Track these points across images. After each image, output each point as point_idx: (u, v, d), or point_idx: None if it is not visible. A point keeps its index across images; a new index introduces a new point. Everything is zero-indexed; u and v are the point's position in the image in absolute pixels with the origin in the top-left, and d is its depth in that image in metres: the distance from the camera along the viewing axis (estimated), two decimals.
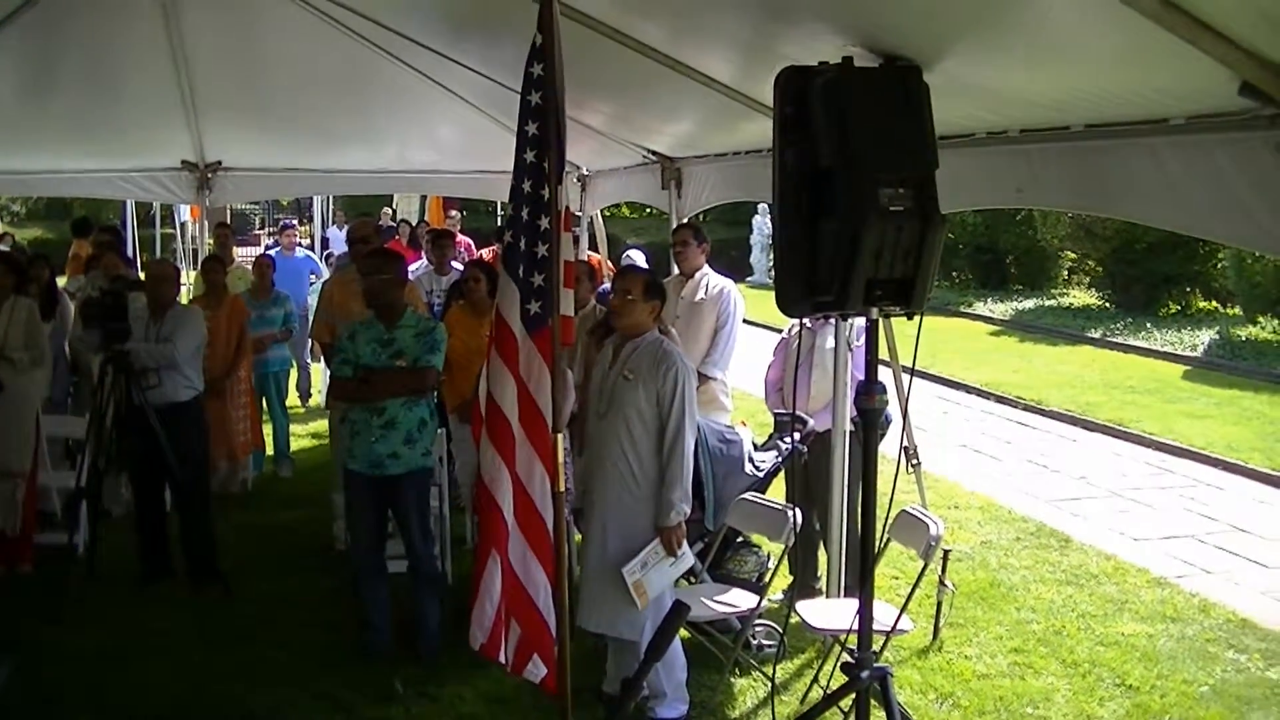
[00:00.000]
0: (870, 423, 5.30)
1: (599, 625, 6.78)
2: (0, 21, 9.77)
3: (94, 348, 9.28)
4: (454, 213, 21.75)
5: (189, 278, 15.11)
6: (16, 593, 9.00)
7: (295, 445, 13.54)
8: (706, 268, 9.72)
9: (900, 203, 4.62)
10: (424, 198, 25.77)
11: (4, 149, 13.48)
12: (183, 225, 26.81)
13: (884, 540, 7.17)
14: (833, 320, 7.93)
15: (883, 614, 6.41)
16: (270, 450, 12.92)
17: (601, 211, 14.03)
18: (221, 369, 10.88)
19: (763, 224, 32.60)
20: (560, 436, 5.88)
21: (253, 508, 11.52)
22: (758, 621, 7.55)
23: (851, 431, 7.99)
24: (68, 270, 15.14)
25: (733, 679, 7.39)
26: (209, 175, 14.12)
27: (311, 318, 13.29)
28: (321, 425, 14.30)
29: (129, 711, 7.10)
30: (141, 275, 10.50)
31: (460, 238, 15.95)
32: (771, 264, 24.29)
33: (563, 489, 5.91)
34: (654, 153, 10.72)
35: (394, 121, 12.68)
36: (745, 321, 9.82)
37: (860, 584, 5.28)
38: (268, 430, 12.81)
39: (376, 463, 7.54)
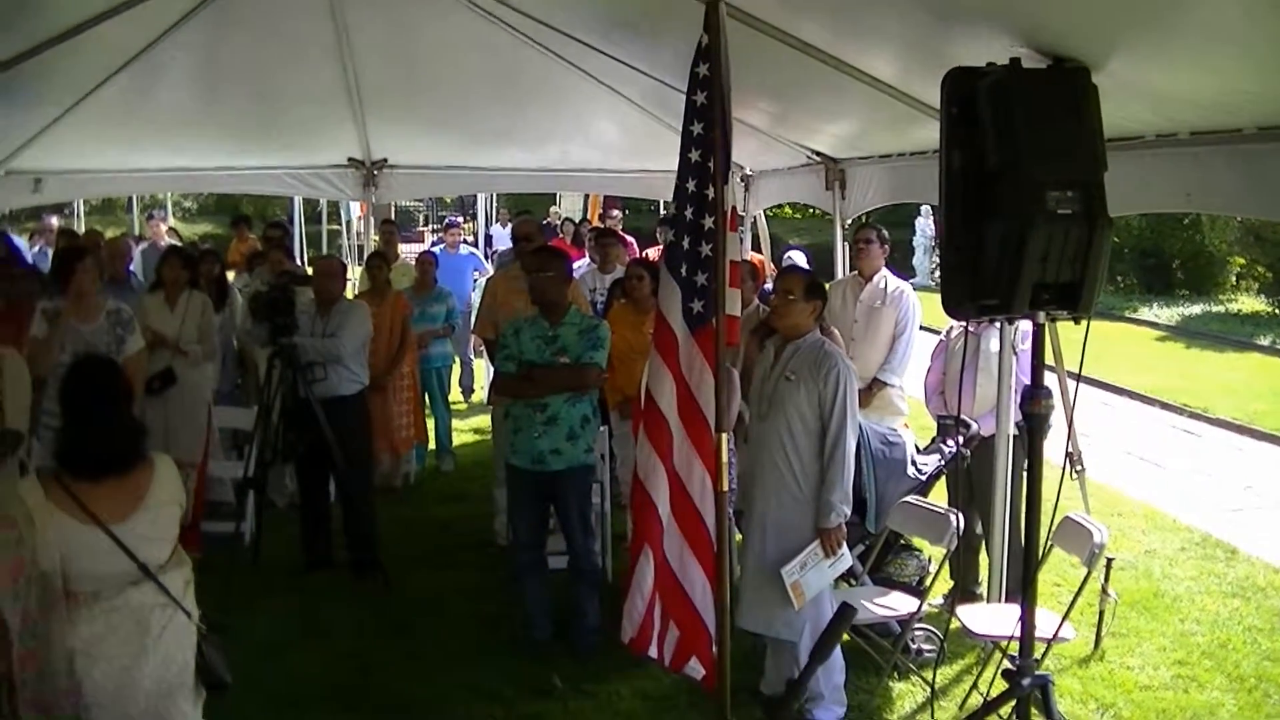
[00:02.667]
0: (1036, 428, 5.31)
1: (756, 625, 6.84)
2: (175, 21, 10.09)
3: (261, 342, 9.52)
4: (616, 212, 21.86)
5: (354, 274, 15.39)
6: None
7: (457, 440, 13.72)
8: (885, 270, 9.72)
9: (1067, 206, 4.63)
10: (587, 196, 25.93)
11: (177, 146, 13.90)
12: (348, 222, 27.32)
13: (1047, 546, 7.13)
14: (996, 323, 7.90)
15: (1044, 621, 6.36)
16: (432, 445, 13.12)
17: (764, 211, 14.05)
18: (385, 364, 11.07)
19: (925, 226, 32.23)
20: (724, 436, 5.92)
21: (413, 502, 11.76)
22: (917, 625, 7.50)
23: (1015, 436, 7.97)
24: (231, 265, 15.51)
25: (891, 683, 7.38)
26: (375, 172, 14.39)
27: (474, 314, 13.51)
28: (482, 421, 14.49)
29: (290, 698, 7.27)
30: (308, 271, 10.75)
31: (625, 237, 16.03)
32: (933, 266, 24.08)
33: (725, 489, 5.94)
34: (817, 153, 10.73)
35: (556, 120, 12.80)
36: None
37: (1023, 590, 5.29)
38: (430, 425, 13.00)
39: (538, 459, 7.64)
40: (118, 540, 4.52)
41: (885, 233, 10.00)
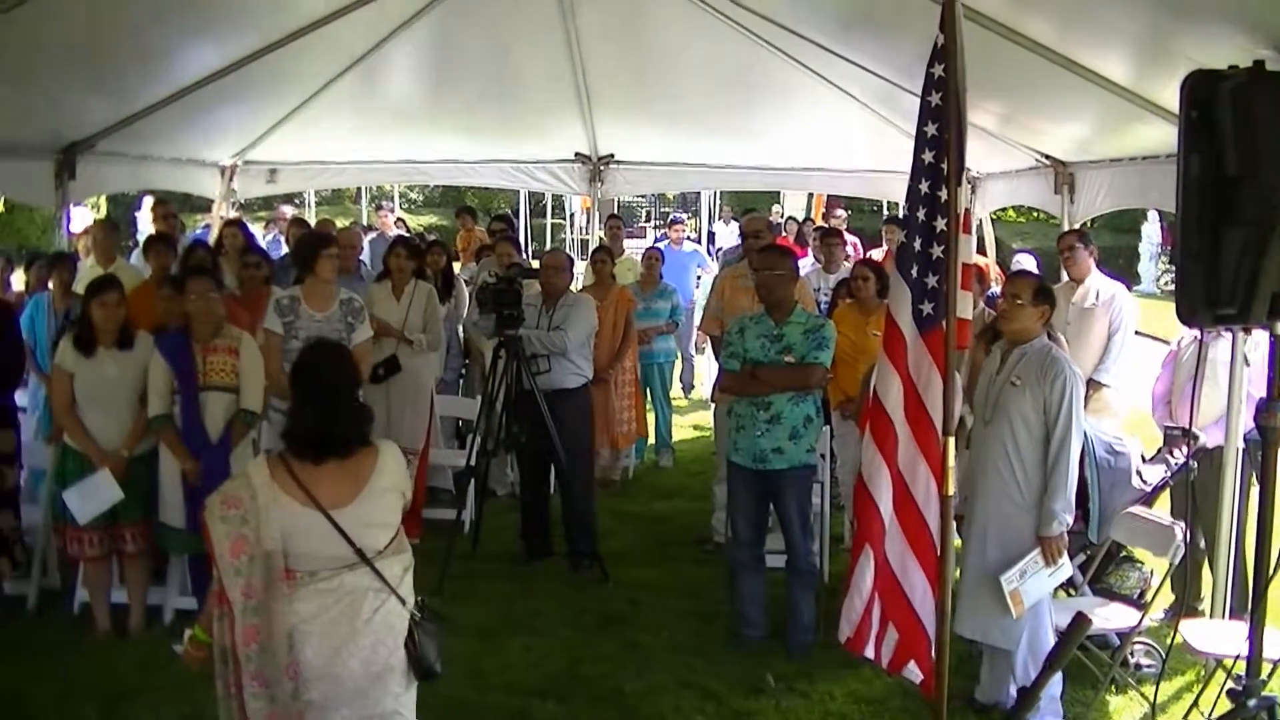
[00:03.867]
0: (1270, 441, 5.21)
1: (974, 632, 6.82)
2: (407, 18, 10.40)
3: (488, 333, 9.70)
4: (841, 211, 21.78)
5: (578, 268, 15.64)
6: None
7: (676, 436, 13.84)
8: (1096, 272, 9.61)
9: None
10: (810, 195, 25.89)
11: (407, 138, 14.31)
12: (571, 215, 27.67)
13: (1278, 563, 6.97)
14: (1226, 333, 7.75)
15: (1274, 641, 6.24)
16: (651, 440, 13.28)
17: (989, 214, 13.92)
18: (607, 358, 11.20)
19: (1152, 232, 31.44)
20: (950, 440, 5.92)
21: (632, 496, 11.93)
22: (1137, 639, 7.41)
23: (1244, 449, 7.80)
24: (460, 257, 15.85)
25: (1109, 696, 7.26)
26: (601, 167, 14.60)
27: (697, 311, 13.63)
28: (703, 417, 14.63)
29: (504, 686, 7.42)
30: (534, 264, 10.95)
31: (848, 237, 16.00)
32: (1160, 273, 23.43)
33: (950, 493, 5.94)
34: (1046, 156, 10.63)
35: (782, 117, 12.86)
36: (1134, 333, 9.64)
37: (1252, 608, 5.20)
38: (650, 420, 13.15)
39: (760, 457, 7.69)
40: (336, 524, 4.64)
41: (1089, 236, 9.91)
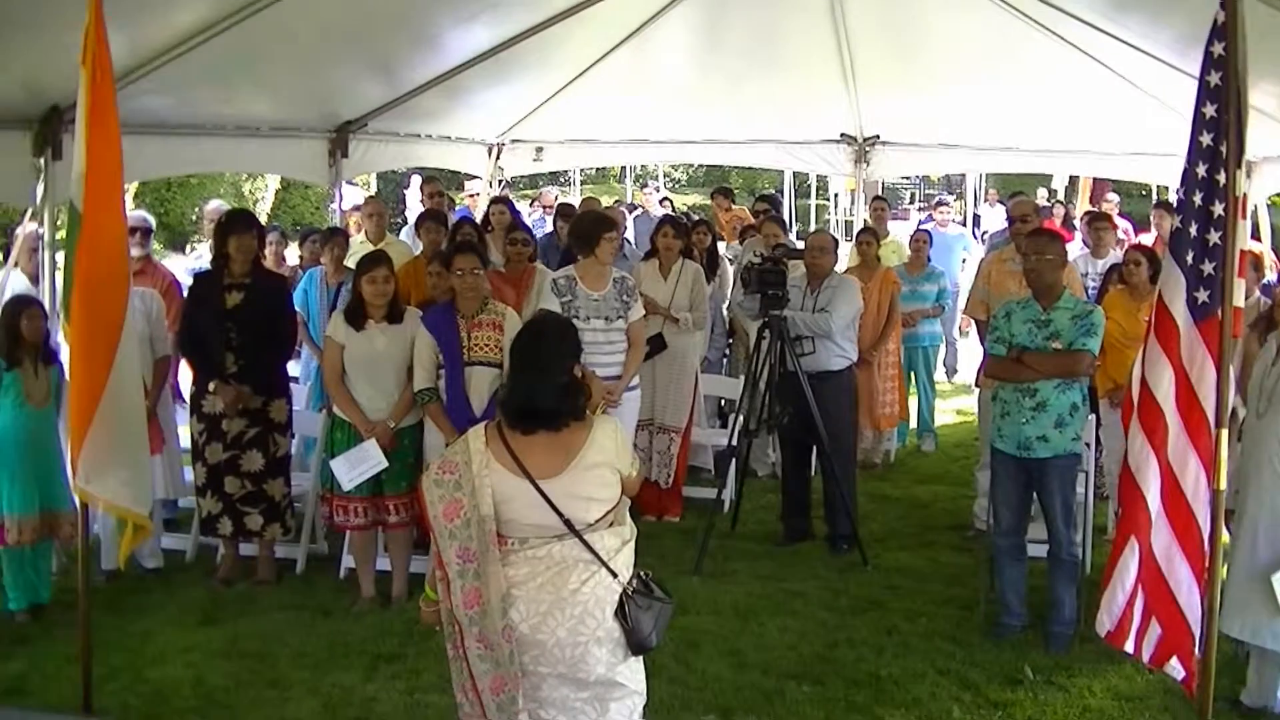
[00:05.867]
0: None
1: (1241, 632, 6.63)
2: None
3: (753, 314, 9.76)
4: (1112, 195, 21.26)
5: (842, 249, 15.64)
6: (662, 541, 9.69)
7: (938, 421, 13.78)
8: None
9: None
10: (1077, 178, 25.37)
11: (672, 116, 14.47)
12: (835, 196, 27.60)
13: None
14: None
15: None
16: (914, 424, 13.29)
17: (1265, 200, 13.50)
18: (871, 340, 11.22)
19: None
20: (1223, 433, 5.82)
21: (893, 479, 11.93)
22: None
23: None
24: (725, 234, 15.97)
25: None
26: (866, 148, 14.58)
27: (962, 294, 13.54)
28: (966, 402, 14.54)
29: (760, 665, 7.49)
30: (799, 245, 11.01)
31: (1118, 221, 15.65)
32: None
33: (1221, 487, 5.85)
34: None
35: (1048, 97, 12.67)
36: None
37: None
38: (912, 404, 13.15)
39: (1024, 444, 7.63)
40: (544, 494, 4.73)
41: None
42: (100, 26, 5.87)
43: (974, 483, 10.13)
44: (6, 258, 10.37)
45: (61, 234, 8.05)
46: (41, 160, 8.71)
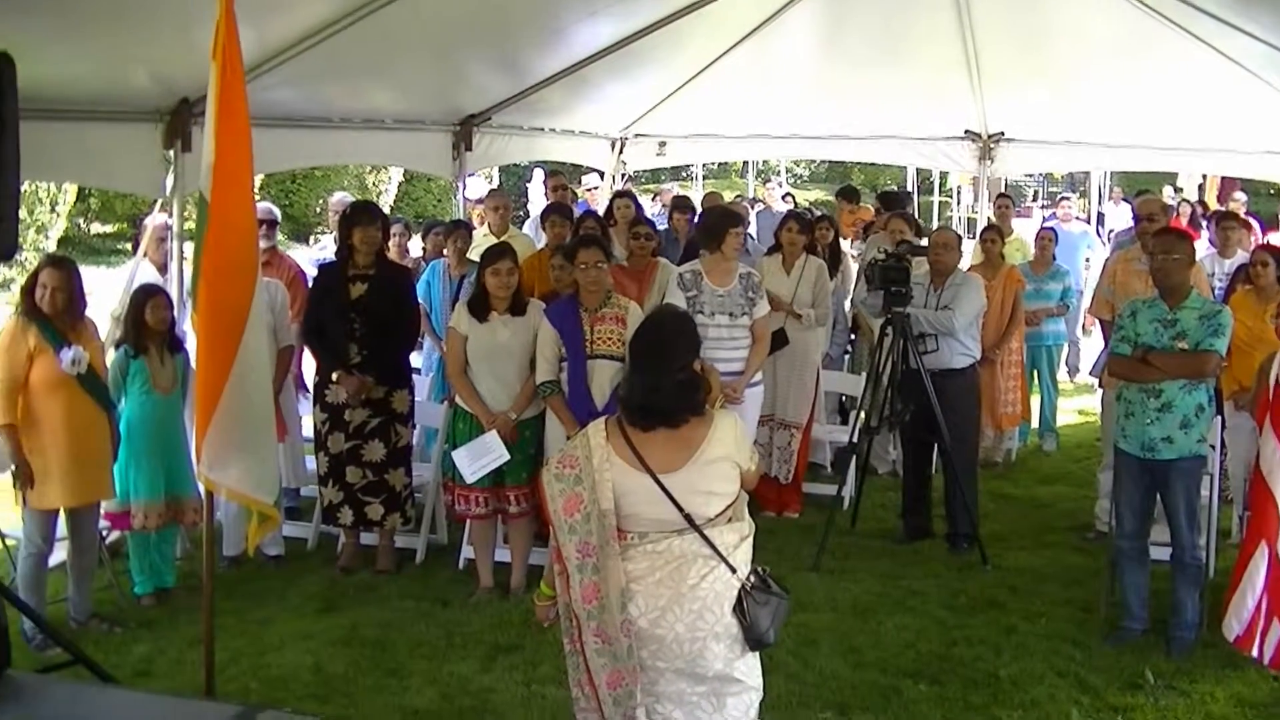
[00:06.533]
0: None
1: None
2: None
3: (876, 311, 9.72)
4: (1240, 194, 20.89)
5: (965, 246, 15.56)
6: (781, 537, 9.70)
7: (1060, 420, 13.62)
8: None
9: None
10: (1205, 176, 24.99)
11: (794, 111, 14.49)
12: (958, 192, 27.39)
13: None
14: None
15: None
16: (1035, 423, 13.17)
17: None
18: (994, 338, 11.15)
19: None
20: None
21: (1014, 479, 11.84)
22: None
23: None
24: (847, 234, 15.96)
25: None
26: (991, 145, 14.48)
27: (1086, 293, 13.41)
28: (1088, 402, 14.39)
29: (879, 664, 7.49)
30: (922, 242, 10.96)
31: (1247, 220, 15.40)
32: None
33: None
34: None
35: (1174, 93, 12.52)
36: None
37: None
38: (1034, 403, 13.03)
39: (1149, 446, 7.52)
40: (664, 489, 4.75)
41: None
42: (231, 22, 5.99)
43: (1096, 484, 9.98)
44: (136, 248, 10.55)
45: (190, 224, 8.23)
46: (171, 152, 8.95)
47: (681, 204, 13.50)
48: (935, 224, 28.10)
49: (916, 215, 17.47)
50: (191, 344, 7.25)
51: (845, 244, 13.53)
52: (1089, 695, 7.08)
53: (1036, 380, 13.10)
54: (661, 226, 12.99)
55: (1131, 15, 10.48)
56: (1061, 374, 14.86)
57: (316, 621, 8.19)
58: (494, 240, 10.51)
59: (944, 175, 31.01)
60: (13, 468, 7.61)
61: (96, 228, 30.54)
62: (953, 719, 6.83)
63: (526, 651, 7.58)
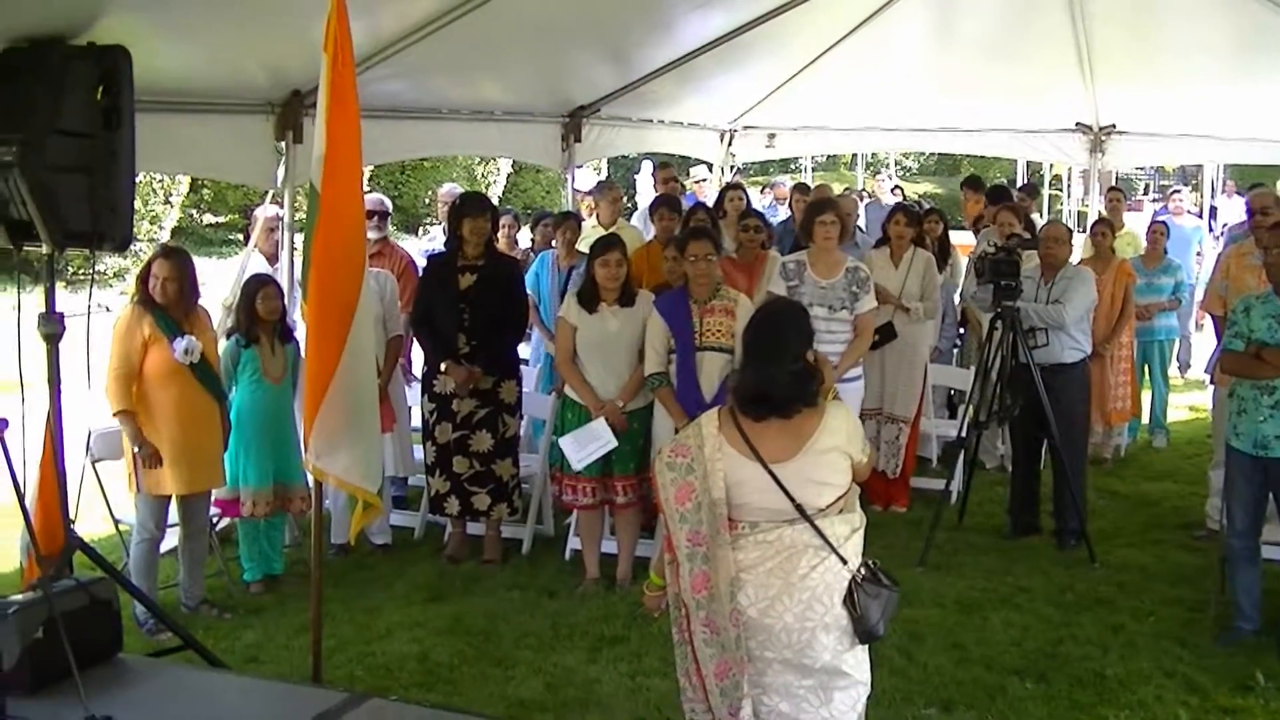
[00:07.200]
0: None
1: None
2: None
3: (985, 305, 9.67)
4: None
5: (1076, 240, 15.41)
6: (888, 531, 9.69)
7: (1171, 417, 13.46)
8: None
9: None
10: None
11: (904, 103, 14.43)
12: (1069, 186, 27.11)
13: None
14: None
15: None
16: (1145, 419, 13.02)
17: None
18: (1104, 333, 11.06)
19: None
20: None
21: (1123, 475, 11.71)
22: None
23: None
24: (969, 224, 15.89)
25: None
26: (1102, 138, 14.33)
27: (1199, 287, 13.25)
28: (1199, 398, 14.22)
29: (984, 660, 7.44)
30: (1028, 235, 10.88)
31: None
32: None
33: None
34: None
35: None
36: None
37: None
38: (1145, 399, 12.87)
39: (1262, 443, 7.41)
40: (776, 479, 4.75)
41: None
42: (343, 14, 6.06)
43: (1206, 481, 9.85)
44: (247, 240, 10.72)
45: (301, 215, 8.35)
46: (283, 144, 9.10)
47: (804, 189, 13.50)
48: (1046, 217, 27.91)
49: (1045, 210, 17.28)
50: (301, 334, 7.35)
51: (968, 235, 13.45)
52: (1198, 696, 6.98)
53: (1147, 376, 12.92)
54: (772, 219, 13.01)
55: (1248, 8, 10.33)
56: (1172, 369, 14.68)
57: (423, 611, 8.29)
58: (602, 232, 10.59)
59: (1052, 168, 30.81)
60: (135, 449, 7.76)
61: (209, 219, 31.07)
62: (1058, 718, 6.77)
63: (632, 643, 7.62)
